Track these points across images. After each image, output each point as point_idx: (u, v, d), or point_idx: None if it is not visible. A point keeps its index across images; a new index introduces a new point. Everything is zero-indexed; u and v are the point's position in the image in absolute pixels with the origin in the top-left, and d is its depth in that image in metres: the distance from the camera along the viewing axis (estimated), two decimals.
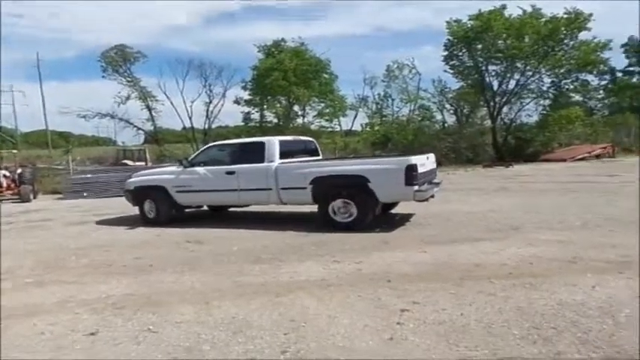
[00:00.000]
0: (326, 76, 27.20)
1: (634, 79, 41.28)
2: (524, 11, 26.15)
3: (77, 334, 3.47)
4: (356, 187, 7.13)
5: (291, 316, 3.65)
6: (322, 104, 28.18)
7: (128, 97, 31.60)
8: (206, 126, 32.45)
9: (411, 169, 6.85)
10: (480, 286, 4.11)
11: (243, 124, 30.26)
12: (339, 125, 30.87)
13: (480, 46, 27.34)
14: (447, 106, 31.98)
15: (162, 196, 8.51)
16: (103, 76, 32.26)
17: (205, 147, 8.97)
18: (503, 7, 26.35)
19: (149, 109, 32.16)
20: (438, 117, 31.51)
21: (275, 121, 27.66)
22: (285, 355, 2.99)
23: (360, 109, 31.46)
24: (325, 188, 7.32)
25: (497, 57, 27.22)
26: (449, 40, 28.31)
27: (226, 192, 8.09)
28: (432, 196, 7.52)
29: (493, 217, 7.73)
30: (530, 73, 27.61)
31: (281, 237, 6.87)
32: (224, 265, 5.41)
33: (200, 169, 8.30)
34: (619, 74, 40.89)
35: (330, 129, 28.40)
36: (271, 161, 7.76)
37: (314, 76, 26.53)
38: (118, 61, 31.38)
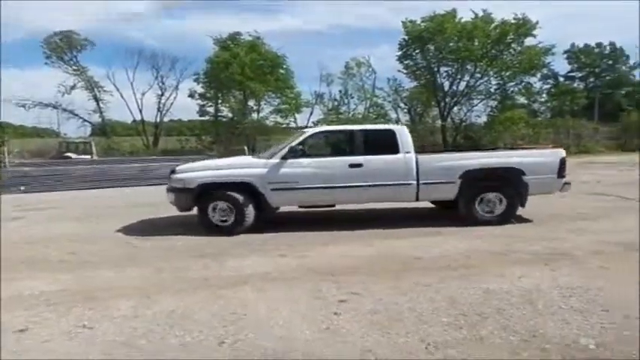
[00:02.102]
0: (282, 71, 27.05)
1: (574, 84, 43.95)
2: (476, 15, 27.17)
3: (4, 332, 3.34)
4: (509, 179, 6.86)
5: (231, 308, 3.66)
6: (278, 100, 28.06)
7: (73, 87, 30.18)
8: (157, 119, 31.58)
9: (563, 162, 6.97)
10: (416, 278, 4.29)
11: (196, 118, 29.69)
12: (295, 122, 30.90)
13: (432, 48, 28.13)
14: (401, 105, 32.75)
15: (247, 195, 6.64)
16: (46, 63, 30.62)
17: (308, 133, 7.12)
18: (455, 10, 27.27)
19: (96, 99, 30.88)
20: (393, 115, 32.18)
21: (230, 115, 27.29)
22: (223, 346, 3.02)
23: (317, 106, 31.66)
24: (475, 182, 6.83)
25: (448, 58, 28.11)
26: (404, 39, 28.94)
27: (348, 188, 6.74)
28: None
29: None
30: (479, 75, 28.73)
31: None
32: (166, 260, 5.33)
33: (307, 161, 6.78)
34: (561, 79, 43.46)
35: (285, 125, 28.34)
36: (408, 152, 6.89)
37: (270, 71, 26.33)
38: (63, 47, 29.82)
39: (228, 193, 6.61)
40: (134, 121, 32.41)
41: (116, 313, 3.62)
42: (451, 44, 27.70)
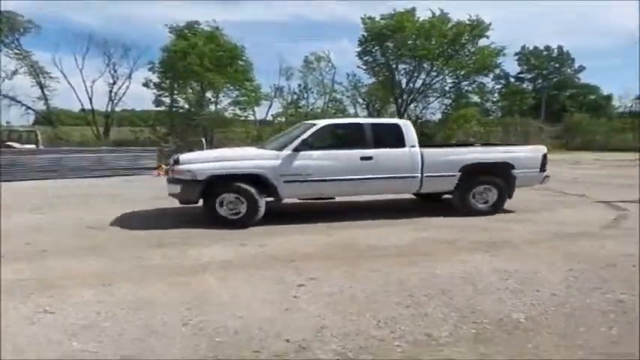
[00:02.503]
0: (241, 63, 26.77)
1: (524, 85, 46.13)
2: (433, 14, 28.02)
3: None
4: (501, 173, 7.37)
5: (194, 294, 3.80)
6: (237, 92, 27.76)
7: (15, 72, 28.42)
8: (109, 108, 30.43)
9: (545, 157, 7.66)
10: (370, 264, 4.58)
11: (150, 108, 28.84)
12: (254, 115, 30.74)
13: (391, 45, 28.78)
14: (360, 100, 33.31)
15: (259, 188, 6.57)
16: None
17: (318, 126, 7.15)
18: (414, 9, 28.01)
19: (41, 86, 29.03)
20: (351, 111, 32.67)
21: (186, 106, 26.77)
22: (187, 326, 3.17)
23: (276, 100, 31.62)
24: (472, 175, 7.27)
25: (406, 56, 28.85)
26: (363, 36, 29.43)
27: (359, 181, 6.90)
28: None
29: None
30: (435, 74, 29.74)
31: (189, 221, 6.91)
32: (127, 249, 5.37)
33: (319, 153, 6.82)
34: (512, 80, 45.49)
35: (243, 118, 28.14)
36: (413, 146, 7.16)
37: (229, 62, 25.97)
38: (3, 30, 28.06)
39: (241, 185, 6.50)
40: (83, 109, 30.98)
41: (79, 300, 3.67)
42: (409, 42, 28.47)
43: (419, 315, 3.29)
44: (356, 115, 32.19)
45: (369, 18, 28.68)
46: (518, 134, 34.61)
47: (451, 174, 7.21)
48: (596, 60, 61.55)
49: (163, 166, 17.07)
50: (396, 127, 7.31)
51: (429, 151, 7.33)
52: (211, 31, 26.28)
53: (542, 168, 7.67)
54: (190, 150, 19.05)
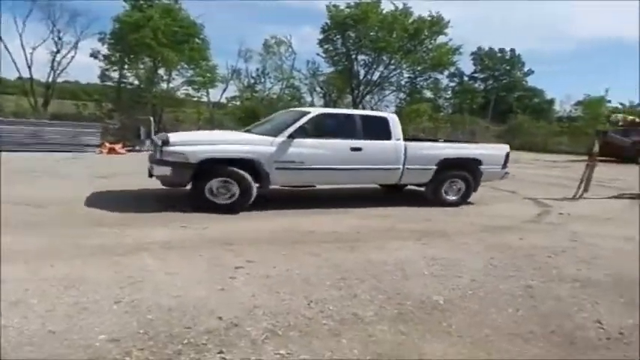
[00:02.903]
0: (198, 41, 25.88)
1: (476, 85, 47.87)
2: (396, 7, 28.40)
3: None
4: (470, 168, 7.95)
5: (129, 273, 3.81)
6: (191, 71, 26.88)
7: None
8: (50, 79, 28.56)
9: (507, 155, 8.38)
10: (309, 249, 4.75)
11: (96, 82, 27.31)
12: (207, 96, 30.00)
13: (353, 35, 28.94)
14: (318, 89, 33.33)
15: (250, 173, 6.49)
16: None
17: (312, 114, 7.11)
18: (379, 0, 28.17)
19: None
20: (308, 99, 32.65)
21: (136, 83, 25.69)
22: (119, 304, 3.19)
23: (232, 82, 30.98)
24: (447, 169, 7.74)
25: (367, 47, 29.12)
26: (326, 23, 29.39)
27: (348, 171, 7.09)
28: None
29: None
30: (393, 67, 30.28)
31: (133, 203, 6.79)
32: (65, 228, 5.23)
33: (312, 142, 6.82)
34: (466, 78, 47.08)
35: (196, 99, 27.39)
36: (398, 139, 7.45)
37: (185, 39, 25.01)
38: None
39: (234, 169, 6.41)
40: (20, 78, 28.84)
41: (7, 277, 3.59)
42: (371, 33, 28.71)
43: (348, 296, 3.49)
44: (312, 103, 32.27)
45: (334, 6, 28.66)
46: (465, 132, 36.04)
47: (429, 167, 7.67)
48: (545, 65, 64.85)
49: (106, 143, 16.51)
50: (384, 120, 7.60)
51: (412, 144, 7.67)
52: (169, 5, 25.18)
53: (504, 165, 8.39)
54: (138, 129, 18.53)
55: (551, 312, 3.40)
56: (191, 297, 3.35)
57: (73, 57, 27.59)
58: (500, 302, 3.53)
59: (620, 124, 22.70)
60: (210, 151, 6.42)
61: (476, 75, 48.42)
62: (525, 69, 47.97)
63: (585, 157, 10.30)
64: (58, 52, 27.31)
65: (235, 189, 6.45)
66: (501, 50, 47.84)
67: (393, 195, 8.68)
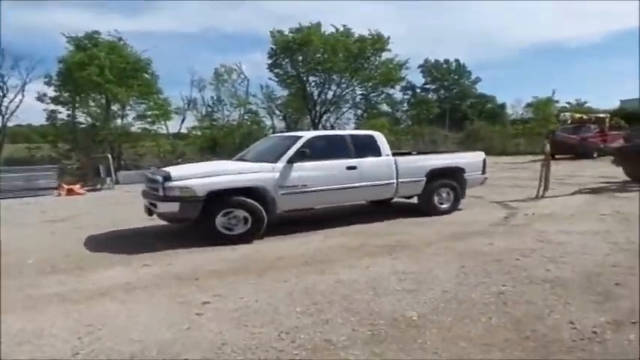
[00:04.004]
0: (147, 76, 25.61)
1: (429, 95, 49.26)
2: (337, 29, 29.08)
3: None
4: (455, 176, 8.28)
5: (88, 321, 3.58)
6: (144, 105, 26.43)
7: None
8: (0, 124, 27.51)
9: (484, 162, 8.82)
10: (278, 275, 4.62)
11: (48, 123, 26.44)
12: (166, 128, 29.52)
13: (300, 58, 29.34)
14: (277, 112, 33.39)
15: (258, 201, 6.39)
16: None
17: (307, 137, 7.21)
18: (320, 23, 28.86)
19: None
20: (268, 122, 32.62)
21: (89, 121, 24.96)
22: (77, 357, 2.97)
23: (189, 112, 30.64)
24: (435, 179, 8.02)
25: (316, 69, 29.55)
26: (272, 49, 29.67)
27: (347, 189, 7.20)
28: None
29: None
30: (345, 86, 30.77)
31: (93, 245, 6.48)
32: (15, 278, 4.90)
33: (311, 164, 6.88)
34: (418, 90, 48.44)
35: (153, 132, 26.83)
36: (387, 154, 7.69)
37: (133, 74, 24.68)
38: None
39: (244, 199, 6.29)
40: None
41: None
42: (318, 55, 29.18)
43: (320, 322, 3.38)
44: (273, 126, 32.26)
45: (278, 31, 29.04)
46: (426, 142, 36.85)
47: (419, 179, 7.95)
48: (490, 71, 67.50)
49: (64, 185, 15.87)
50: (371, 138, 7.84)
51: (401, 159, 7.97)
52: (113, 42, 24.84)
53: (483, 171, 8.82)
54: (96, 167, 17.94)
55: (524, 317, 3.39)
56: (154, 340, 3.17)
57: (21, 100, 26.71)
58: (474, 312, 3.50)
59: (569, 122, 23.70)
60: (218, 183, 6.29)
61: (427, 86, 49.96)
62: (473, 77, 49.82)
63: (542, 157, 10.62)
64: (4, 96, 26.38)
65: (247, 218, 6.33)
66: (446, 61, 49.64)
67: (360, 210, 8.63)
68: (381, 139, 7.85)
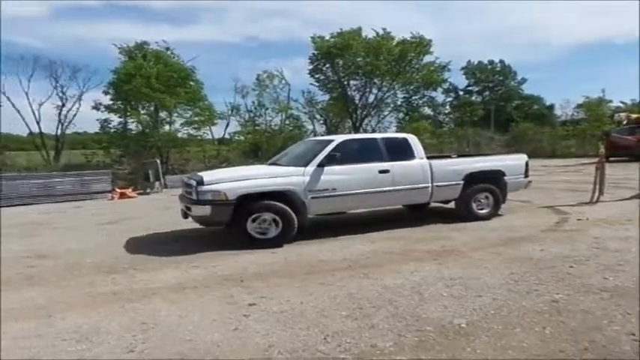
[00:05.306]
0: (192, 83, 26.46)
1: (473, 97, 48.11)
2: (377, 33, 28.95)
3: None
4: (495, 180, 7.98)
5: (141, 319, 3.72)
6: (190, 112, 27.36)
7: None
8: (58, 132, 29.30)
9: (527, 164, 8.46)
10: (322, 279, 4.63)
11: (105, 131, 27.92)
12: (211, 134, 30.39)
13: (341, 62, 29.41)
14: (317, 116, 33.62)
15: (288, 205, 6.45)
16: None
17: (337, 141, 7.16)
18: (360, 28, 28.86)
19: None
20: (309, 127, 32.88)
21: (139, 127, 26.07)
22: (132, 354, 3.09)
23: (233, 118, 31.39)
24: (473, 183, 7.77)
25: (357, 73, 29.54)
26: (313, 54, 29.91)
27: (379, 193, 7.09)
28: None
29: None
30: (386, 89, 30.55)
31: (141, 246, 6.74)
32: (73, 278, 5.17)
33: (341, 168, 6.84)
34: (461, 92, 47.40)
35: (199, 137, 27.70)
36: (422, 157, 7.54)
37: (179, 83, 25.60)
38: None
39: (273, 203, 6.38)
40: (31, 133, 29.73)
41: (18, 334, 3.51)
42: (359, 60, 29.17)
43: (365, 327, 3.35)
44: (314, 131, 32.48)
45: (319, 37, 29.25)
46: (470, 145, 35.95)
47: (456, 183, 7.71)
48: (535, 72, 65.08)
49: (117, 189, 16.62)
50: (405, 141, 7.68)
51: (437, 162, 7.76)
52: (160, 52, 25.86)
53: (526, 174, 8.41)
54: (146, 172, 18.67)
55: (580, 327, 3.23)
56: (204, 340, 3.25)
57: (78, 109, 28.42)
58: (526, 321, 3.37)
59: (625, 122, 22.47)
60: (248, 187, 6.38)
61: (470, 88, 48.78)
62: (518, 78, 48.20)
63: (596, 159, 10.12)
64: (63, 105, 28.20)
65: (278, 222, 6.39)
66: (491, 62, 48.29)
67: (406, 215, 8.53)
68: (414, 142, 7.67)
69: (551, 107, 44.78)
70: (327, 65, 30.01)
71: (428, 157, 7.87)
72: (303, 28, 63.89)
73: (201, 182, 6.43)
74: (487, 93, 48.45)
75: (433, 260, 5.20)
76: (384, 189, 7.15)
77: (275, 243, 6.32)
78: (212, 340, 3.24)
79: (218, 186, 6.35)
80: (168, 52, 26.10)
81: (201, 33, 57.83)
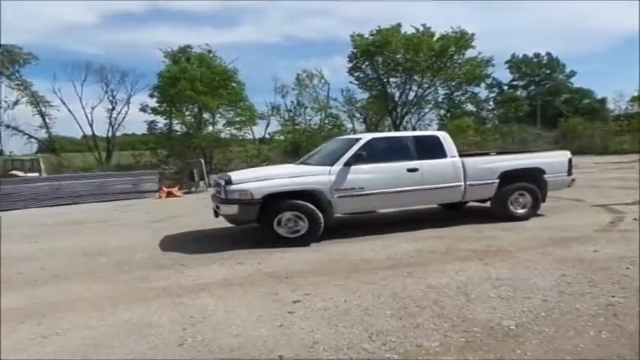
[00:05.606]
0: (234, 84, 27.06)
1: (517, 92, 46.50)
2: (417, 29, 28.51)
3: None
4: (534, 178, 7.66)
5: (190, 313, 3.85)
6: (232, 113, 28.00)
7: (16, 102, 28.93)
8: (109, 134, 30.84)
9: (570, 162, 8.04)
10: (365, 277, 4.63)
11: (152, 132, 29.11)
12: (252, 133, 31.00)
13: (380, 60, 29.19)
14: (357, 114, 33.56)
15: (314, 204, 6.48)
16: None
17: (365, 140, 7.09)
18: (399, 24, 28.51)
19: (42, 115, 29.70)
20: (349, 125, 32.90)
21: (183, 129, 26.96)
22: (182, 347, 3.21)
23: (273, 117, 31.88)
24: (509, 181, 7.50)
25: (396, 70, 29.24)
26: (353, 52, 29.86)
27: (407, 192, 6.96)
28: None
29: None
30: (427, 86, 30.10)
31: (187, 243, 6.96)
32: (123, 273, 5.42)
33: (368, 167, 6.81)
34: (505, 88, 45.92)
35: (241, 137, 28.33)
36: (453, 156, 7.34)
37: (222, 84, 26.25)
38: (4, 62, 28.56)
39: (299, 202, 6.44)
40: (84, 136, 31.52)
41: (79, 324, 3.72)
42: (398, 56, 28.85)
43: (410, 326, 3.33)
44: (353, 129, 32.41)
45: (358, 35, 29.14)
46: (515, 142, 34.77)
47: (491, 181, 7.44)
48: (586, 64, 62.04)
49: (164, 188, 17.24)
50: (436, 139, 7.47)
51: (470, 160, 7.50)
52: (203, 55, 26.59)
53: (569, 172, 8.00)
54: (191, 171, 19.28)
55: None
56: (251, 335, 3.32)
57: (127, 112, 29.79)
58: (580, 324, 3.24)
59: None
60: (274, 186, 6.45)
61: (515, 83, 47.15)
62: (567, 71, 46.10)
63: None
64: (113, 109, 29.71)
65: (304, 221, 6.43)
66: (537, 55, 46.46)
67: (446, 214, 8.39)
68: (446, 139, 7.45)
69: (602, 101, 42.73)
70: (367, 63, 29.95)
71: (464, 155, 7.67)
72: (342, 27, 64.04)
73: (229, 182, 6.57)
74: (533, 87, 46.75)
75: (479, 260, 5.08)
76: (414, 188, 7.00)
77: (302, 242, 6.35)
78: (259, 335, 3.31)
79: (245, 185, 6.47)
80: (211, 55, 26.82)
81: (242, 34, 59.05)
